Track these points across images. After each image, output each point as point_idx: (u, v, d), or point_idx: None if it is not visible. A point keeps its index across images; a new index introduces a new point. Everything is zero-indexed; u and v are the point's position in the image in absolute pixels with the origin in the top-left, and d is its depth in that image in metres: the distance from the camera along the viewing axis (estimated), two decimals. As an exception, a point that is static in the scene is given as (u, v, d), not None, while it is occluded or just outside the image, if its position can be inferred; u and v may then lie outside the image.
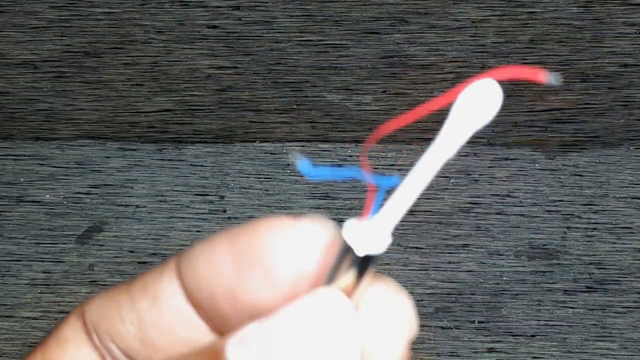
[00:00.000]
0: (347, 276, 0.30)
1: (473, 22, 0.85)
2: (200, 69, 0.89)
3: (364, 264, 0.29)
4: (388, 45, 0.87)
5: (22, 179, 0.95)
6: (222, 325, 0.34)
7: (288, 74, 0.90)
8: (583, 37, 0.86)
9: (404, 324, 0.30)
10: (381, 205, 0.29)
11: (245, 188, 0.94)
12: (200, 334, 0.35)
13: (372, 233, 0.29)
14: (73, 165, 0.95)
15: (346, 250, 0.29)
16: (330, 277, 0.30)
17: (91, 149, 0.96)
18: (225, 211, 0.92)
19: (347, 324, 0.29)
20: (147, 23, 0.86)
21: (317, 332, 0.29)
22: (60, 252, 0.91)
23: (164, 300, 0.35)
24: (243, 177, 0.94)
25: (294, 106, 0.93)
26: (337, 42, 0.87)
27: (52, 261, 0.90)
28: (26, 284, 0.89)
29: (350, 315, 0.29)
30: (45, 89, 0.92)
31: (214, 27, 0.86)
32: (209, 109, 0.93)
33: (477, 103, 0.28)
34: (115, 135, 0.96)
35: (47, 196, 0.94)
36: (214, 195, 0.93)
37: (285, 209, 0.92)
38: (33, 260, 0.91)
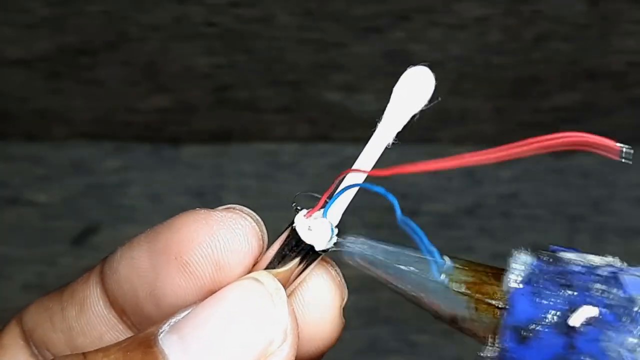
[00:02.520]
0: (291, 263, 0.32)
1: (476, 19, 0.85)
2: (197, 67, 0.89)
3: (308, 253, 0.32)
4: (390, 43, 0.87)
5: (15, 180, 0.95)
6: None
7: (287, 73, 0.90)
8: (589, 34, 0.86)
9: (337, 293, 0.34)
10: (333, 203, 0.32)
11: (243, 189, 0.94)
12: None
13: (318, 226, 0.32)
14: (67, 166, 0.95)
15: (293, 239, 0.32)
16: (274, 263, 0.33)
17: (86, 149, 0.96)
18: (223, 213, 0.93)
19: (273, 306, 0.31)
20: (143, 20, 0.86)
21: (243, 315, 0.31)
22: (55, 255, 0.91)
23: (89, 308, 0.35)
24: (241, 177, 0.95)
25: (293, 105, 0.93)
26: (337, 40, 0.87)
27: (46, 264, 0.90)
28: (20, 288, 0.89)
29: (278, 298, 0.31)
30: (38, 88, 0.92)
31: (212, 24, 0.86)
32: (206, 108, 0.94)
33: (413, 88, 0.32)
34: (110, 135, 0.96)
35: (41, 197, 0.94)
36: (212, 196, 0.93)
37: (285, 210, 0.92)
38: (27, 263, 0.91)
